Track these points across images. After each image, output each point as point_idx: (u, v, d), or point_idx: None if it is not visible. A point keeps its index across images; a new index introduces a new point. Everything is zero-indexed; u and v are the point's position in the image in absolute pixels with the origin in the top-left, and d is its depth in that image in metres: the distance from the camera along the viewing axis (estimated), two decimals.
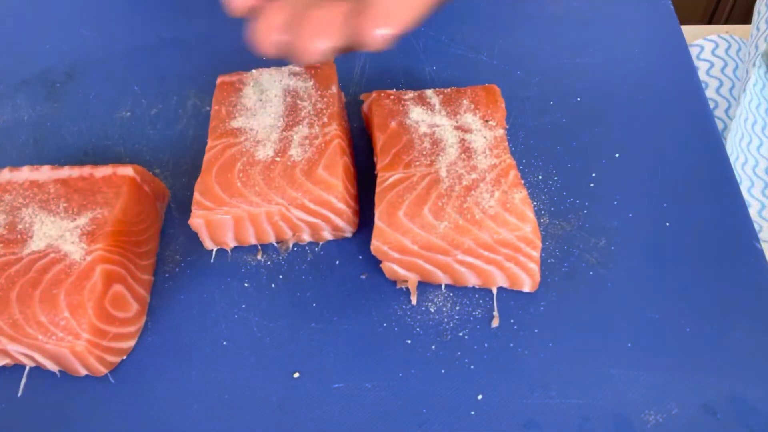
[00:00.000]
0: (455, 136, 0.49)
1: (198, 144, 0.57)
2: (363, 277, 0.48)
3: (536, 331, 0.45)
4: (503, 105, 0.51)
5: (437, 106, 0.51)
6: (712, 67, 0.79)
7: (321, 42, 0.31)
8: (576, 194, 0.52)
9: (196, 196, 0.46)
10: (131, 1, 0.71)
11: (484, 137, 0.48)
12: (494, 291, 0.47)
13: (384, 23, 0.30)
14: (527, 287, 0.46)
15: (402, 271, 0.46)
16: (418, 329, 0.45)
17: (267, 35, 0.32)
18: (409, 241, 0.43)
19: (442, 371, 0.43)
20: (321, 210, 0.46)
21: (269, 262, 0.49)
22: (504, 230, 0.43)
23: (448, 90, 0.52)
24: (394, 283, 0.47)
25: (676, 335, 0.44)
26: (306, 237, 0.49)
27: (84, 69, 0.65)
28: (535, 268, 0.45)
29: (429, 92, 0.52)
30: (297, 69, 0.54)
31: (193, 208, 0.46)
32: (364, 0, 0.31)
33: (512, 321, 0.45)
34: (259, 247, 0.50)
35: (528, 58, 0.62)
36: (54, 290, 0.42)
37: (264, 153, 0.48)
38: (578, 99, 0.59)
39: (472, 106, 0.51)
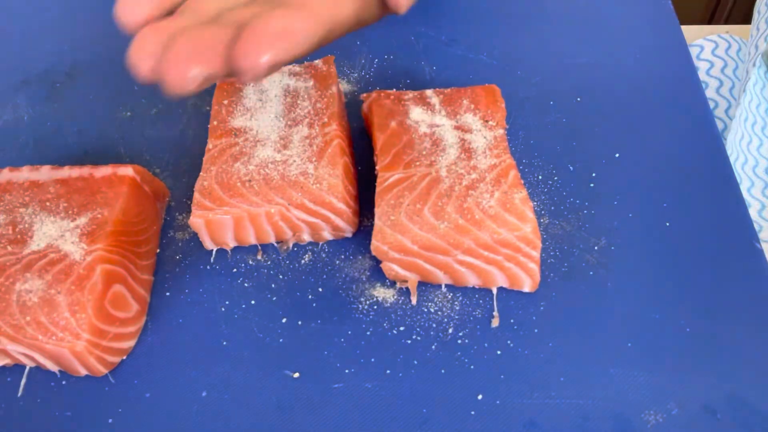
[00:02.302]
0: (455, 136, 0.49)
1: (198, 144, 0.57)
2: (363, 277, 0.48)
3: (536, 331, 0.45)
4: (503, 105, 0.51)
5: (437, 106, 0.51)
6: (712, 67, 0.79)
7: (192, 69, 0.27)
8: (576, 194, 0.52)
9: (196, 196, 0.46)
10: None
11: (484, 137, 0.48)
12: (494, 291, 0.47)
13: (266, 49, 0.27)
14: (527, 287, 0.46)
15: (402, 271, 0.46)
16: (418, 329, 0.45)
17: (139, 59, 0.28)
18: (409, 241, 0.43)
19: (442, 371, 0.43)
20: (321, 210, 0.46)
21: (269, 262, 0.49)
22: (504, 230, 0.43)
23: (448, 90, 0.52)
24: (394, 283, 0.47)
25: (676, 335, 0.44)
26: (306, 237, 0.49)
27: (84, 69, 0.65)
28: (535, 268, 0.45)
29: (429, 92, 0.52)
30: (297, 69, 0.54)
31: (193, 208, 0.46)
32: (247, 23, 0.27)
33: (512, 321, 0.45)
34: (259, 247, 0.50)
35: (528, 58, 0.62)
36: (54, 290, 0.42)
37: (264, 153, 0.48)
38: (578, 99, 0.59)
39: (472, 106, 0.51)
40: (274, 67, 0.27)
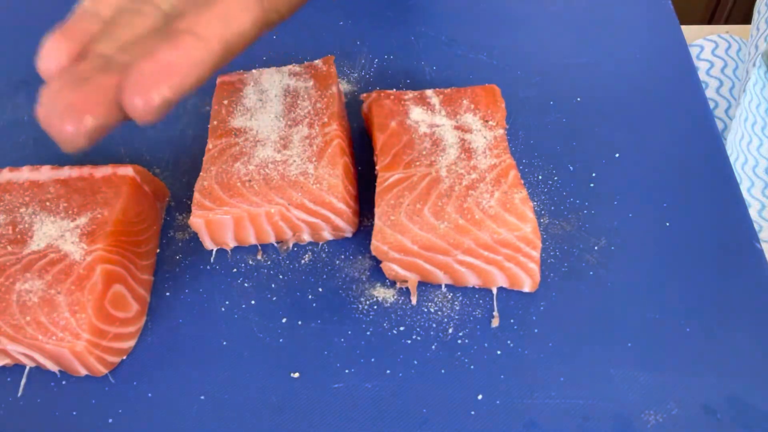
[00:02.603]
0: (455, 136, 0.49)
1: (198, 144, 0.57)
2: (363, 277, 0.48)
3: (536, 331, 0.45)
4: (503, 105, 0.51)
5: (437, 106, 0.51)
6: (712, 67, 0.79)
7: (77, 124, 0.26)
8: (576, 194, 0.52)
9: (196, 196, 0.46)
10: None
11: (484, 137, 0.48)
12: (494, 291, 0.47)
13: (152, 89, 0.26)
14: (527, 287, 0.46)
15: (402, 271, 0.46)
16: (418, 329, 0.45)
17: (40, 112, 0.27)
18: (409, 241, 0.43)
19: (442, 371, 0.43)
20: (321, 210, 0.46)
21: (269, 262, 0.49)
22: (504, 230, 0.43)
23: (448, 90, 0.52)
24: (394, 283, 0.47)
25: (676, 335, 0.44)
26: (306, 237, 0.49)
27: None
28: (535, 268, 0.45)
29: (429, 92, 0.52)
30: (297, 69, 0.54)
31: (193, 208, 0.46)
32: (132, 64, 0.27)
33: (512, 321, 0.45)
34: (259, 247, 0.50)
35: (528, 58, 0.62)
36: (54, 290, 0.42)
37: (264, 153, 0.48)
38: (578, 99, 0.59)
39: (472, 106, 0.51)
40: (168, 105, 0.26)
